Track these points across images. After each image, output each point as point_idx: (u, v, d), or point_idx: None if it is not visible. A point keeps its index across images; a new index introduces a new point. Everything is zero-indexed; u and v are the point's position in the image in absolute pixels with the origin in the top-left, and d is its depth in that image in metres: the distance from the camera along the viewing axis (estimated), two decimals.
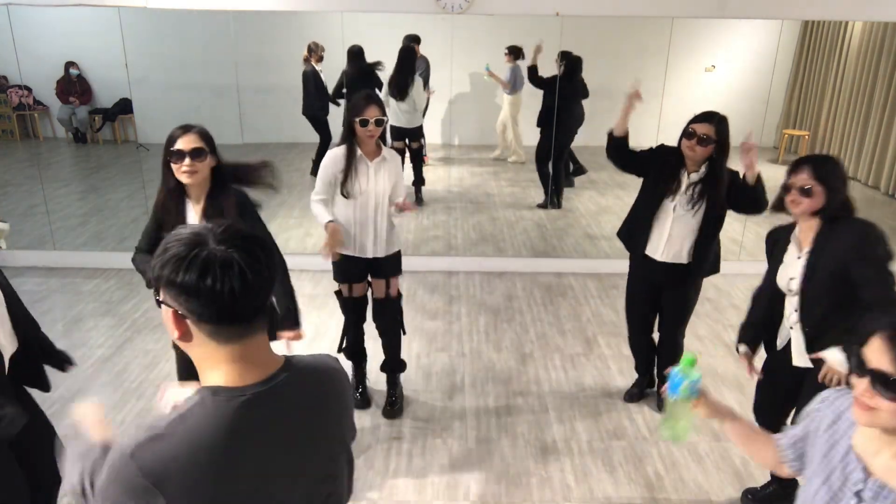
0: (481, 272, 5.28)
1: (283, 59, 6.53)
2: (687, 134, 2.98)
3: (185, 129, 2.41)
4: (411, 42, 6.05)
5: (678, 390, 1.58)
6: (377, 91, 5.96)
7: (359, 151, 3.08)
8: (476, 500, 2.86)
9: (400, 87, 5.96)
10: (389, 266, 3.31)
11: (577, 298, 4.83)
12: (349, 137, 3.07)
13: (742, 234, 5.48)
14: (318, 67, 6.41)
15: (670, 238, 3.12)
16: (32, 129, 7.30)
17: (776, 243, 2.56)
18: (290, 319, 2.49)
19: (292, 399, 1.13)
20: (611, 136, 3.20)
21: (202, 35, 6.32)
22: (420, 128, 6.27)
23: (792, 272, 2.44)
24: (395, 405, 3.45)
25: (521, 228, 6.02)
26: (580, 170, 7.04)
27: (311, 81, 6.39)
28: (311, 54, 6.35)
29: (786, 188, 2.39)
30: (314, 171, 6.77)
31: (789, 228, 2.50)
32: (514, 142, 7.31)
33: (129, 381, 3.68)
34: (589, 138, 6.66)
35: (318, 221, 3.11)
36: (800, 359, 2.49)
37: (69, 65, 7.13)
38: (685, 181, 3.05)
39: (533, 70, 6.02)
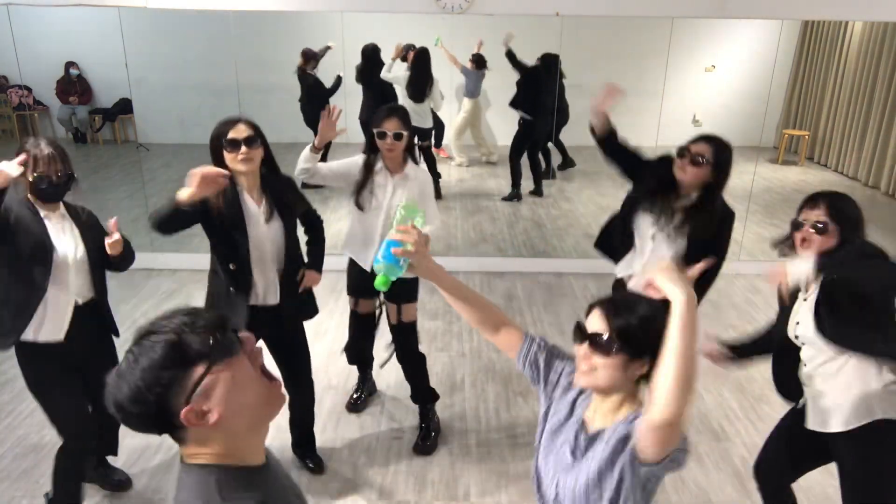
0: (481, 272, 5.28)
1: (283, 59, 6.53)
2: (680, 153, 2.61)
3: (233, 121, 2.46)
4: (423, 48, 6.17)
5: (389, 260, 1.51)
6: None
7: (380, 163, 2.90)
8: (476, 500, 2.86)
9: (419, 90, 6.05)
10: (402, 291, 2.93)
11: (577, 298, 4.83)
12: (370, 148, 2.90)
13: (742, 234, 5.48)
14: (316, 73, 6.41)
15: (646, 267, 2.72)
16: (32, 129, 7.30)
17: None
18: (316, 265, 2.83)
19: None
20: (593, 132, 2.83)
21: (202, 35, 6.32)
22: (431, 129, 6.35)
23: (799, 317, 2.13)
24: (426, 440, 3.15)
25: (521, 228, 6.02)
26: (569, 162, 7.09)
27: (320, 89, 6.37)
28: (310, 61, 6.31)
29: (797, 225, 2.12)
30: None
31: None
32: (481, 149, 7.38)
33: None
34: (587, 138, 6.67)
35: (304, 155, 2.89)
36: (814, 422, 2.14)
37: (69, 65, 7.14)
38: (675, 206, 2.67)
39: (510, 54, 6.16)
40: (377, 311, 3.27)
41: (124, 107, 7.14)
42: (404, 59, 6.19)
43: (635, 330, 1.41)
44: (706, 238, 2.62)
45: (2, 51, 5.81)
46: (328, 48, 6.29)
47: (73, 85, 7.18)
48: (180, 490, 1.06)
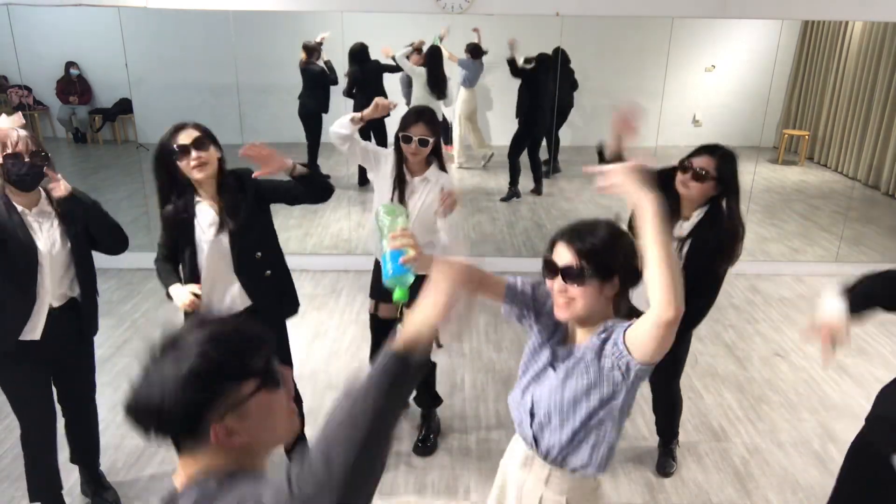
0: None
1: (283, 59, 6.53)
2: (682, 167, 2.49)
3: (179, 127, 2.33)
4: (435, 46, 6.29)
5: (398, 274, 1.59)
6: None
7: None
8: (476, 501, 2.86)
9: (439, 87, 6.20)
10: (418, 292, 2.90)
11: None
12: (398, 149, 2.81)
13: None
14: (320, 64, 6.41)
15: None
16: (32, 129, 7.27)
17: None
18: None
19: None
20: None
21: (202, 35, 6.32)
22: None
23: None
24: (426, 442, 3.16)
25: (521, 228, 6.02)
26: (555, 168, 7.09)
27: (324, 79, 6.39)
28: (311, 53, 6.31)
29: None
30: None
31: None
32: (475, 142, 7.35)
33: (129, 382, 3.68)
34: (587, 139, 6.66)
35: (343, 122, 2.76)
36: None
37: (69, 65, 7.13)
38: (676, 229, 2.53)
39: (512, 62, 6.16)
40: (398, 315, 3.26)
41: (124, 107, 7.12)
42: (407, 56, 6.22)
43: (601, 253, 1.50)
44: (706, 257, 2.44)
45: (2, 51, 5.80)
46: (320, 43, 6.33)
47: (73, 85, 7.17)
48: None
